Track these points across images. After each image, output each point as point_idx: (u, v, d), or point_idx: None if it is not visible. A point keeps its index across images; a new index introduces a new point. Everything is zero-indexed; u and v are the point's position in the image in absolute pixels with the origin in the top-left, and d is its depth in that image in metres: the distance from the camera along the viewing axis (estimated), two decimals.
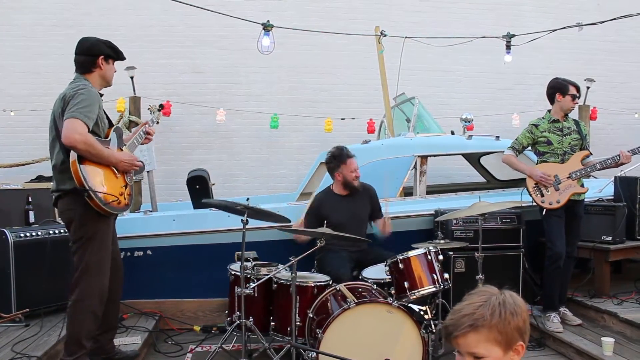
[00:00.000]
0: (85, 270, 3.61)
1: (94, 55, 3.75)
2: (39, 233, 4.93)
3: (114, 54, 3.86)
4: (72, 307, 3.62)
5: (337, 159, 5.04)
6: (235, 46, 8.08)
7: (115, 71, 3.93)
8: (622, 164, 4.95)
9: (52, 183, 3.73)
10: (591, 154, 5.02)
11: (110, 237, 3.80)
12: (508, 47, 6.85)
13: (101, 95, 3.76)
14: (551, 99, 5.06)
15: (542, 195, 4.90)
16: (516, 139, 5.11)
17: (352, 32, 7.21)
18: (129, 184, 3.82)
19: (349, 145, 5.25)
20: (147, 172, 6.05)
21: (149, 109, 4.70)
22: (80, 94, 3.51)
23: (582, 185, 4.98)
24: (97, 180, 3.54)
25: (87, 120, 3.46)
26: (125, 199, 3.73)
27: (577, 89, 5.04)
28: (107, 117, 3.87)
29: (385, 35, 6.50)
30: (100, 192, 3.50)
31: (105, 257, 3.71)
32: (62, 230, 4.91)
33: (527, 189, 4.99)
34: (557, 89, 5.03)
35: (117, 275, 3.99)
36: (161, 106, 4.69)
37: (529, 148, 5.13)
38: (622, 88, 9.16)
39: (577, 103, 5.07)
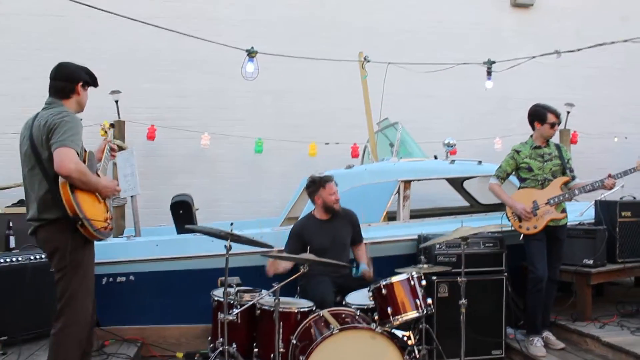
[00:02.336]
0: (70, 298, 3.56)
1: (73, 81, 3.74)
2: (19, 259, 4.87)
3: (91, 81, 3.87)
4: (57, 336, 3.56)
5: (316, 183, 5.08)
6: (220, 71, 8.13)
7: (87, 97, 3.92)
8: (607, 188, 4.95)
9: (29, 211, 3.65)
10: (575, 177, 5.08)
11: (94, 263, 3.77)
12: (489, 73, 6.96)
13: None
14: (532, 125, 5.13)
15: (520, 221, 4.96)
16: (500, 167, 5.17)
17: (335, 57, 7.29)
18: (109, 209, 3.81)
19: (332, 170, 5.28)
20: (131, 196, 6.02)
21: (102, 128, 4.64)
22: (67, 122, 3.49)
23: (564, 211, 5.03)
24: (87, 207, 3.52)
25: (77, 148, 3.46)
26: (109, 224, 3.72)
27: (556, 116, 5.06)
28: None
29: (368, 61, 6.58)
30: (91, 219, 3.49)
31: (90, 284, 3.68)
32: (42, 256, 4.85)
33: (507, 214, 5.06)
34: (536, 116, 5.08)
35: (93, 301, 3.93)
36: (112, 125, 4.67)
37: (513, 174, 5.20)
38: (602, 113, 9.33)
39: (556, 130, 5.10)
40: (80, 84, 3.76)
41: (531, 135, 5.16)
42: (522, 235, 4.97)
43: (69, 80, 3.73)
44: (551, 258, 4.98)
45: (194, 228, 4.65)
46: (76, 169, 3.39)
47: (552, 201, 4.92)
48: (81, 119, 3.75)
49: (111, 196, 3.83)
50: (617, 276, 5.76)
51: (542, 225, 4.91)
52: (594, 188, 4.95)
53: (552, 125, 5.04)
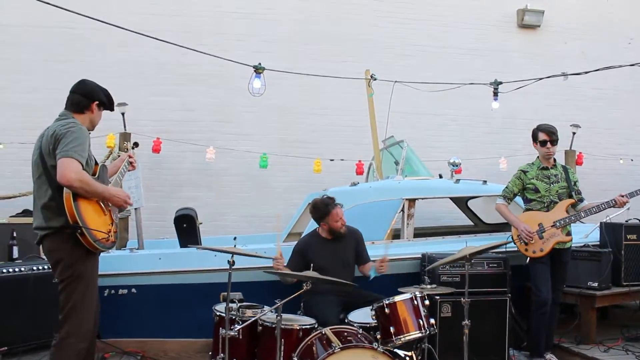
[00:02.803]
0: (72, 309, 3.57)
1: (90, 99, 3.81)
2: (22, 269, 4.88)
3: (108, 104, 3.93)
4: (58, 347, 3.56)
5: (322, 211, 5.06)
6: (226, 85, 8.17)
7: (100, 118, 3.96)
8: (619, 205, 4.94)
9: (35, 220, 3.67)
10: (583, 199, 5.07)
11: (97, 275, 3.77)
12: (495, 94, 6.96)
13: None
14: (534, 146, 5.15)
15: (526, 244, 4.93)
16: (506, 187, 5.17)
17: (342, 73, 7.32)
18: (115, 222, 3.81)
19: (337, 188, 5.27)
20: (135, 209, 6.03)
21: (125, 147, 4.69)
22: (72, 132, 3.54)
23: (569, 233, 5.01)
24: (89, 216, 3.53)
25: (80, 158, 3.49)
26: (112, 236, 3.72)
27: (547, 133, 5.01)
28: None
29: (375, 79, 6.59)
30: (92, 229, 3.50)
31: (92, 295, 3.68)
32: (45, 267, 4.86)
33: (512, 237, 5.05)
34: (533, 136, 5.13)
35: (95, 313, 3.92)
36: (135, 144, 4.72)
37: (519, 194, 5.18)
38: (607, 134, 9.33)
39: (549, 148, 5.03)
40: (97, 103, 3.84)
41: (538, 156, 5.17)
42: (528, 259, 4.95)
43: (86, 97, 3.81)
44: (555, 280, 4.96)
45: (198, 248, 4.64)
46: (77, 178, 3.43)
47: (558, 224, 4.90)
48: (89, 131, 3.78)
49: (125, 206, 3.86)
50: (622, 299, 5.74)
51: (549, 248, 4.89)
52: (601, 210, 4.94)
53: (543, 144, 5.02)
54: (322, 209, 5.07)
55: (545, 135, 5.02)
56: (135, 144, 4.64)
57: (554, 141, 5.03)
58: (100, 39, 7.96)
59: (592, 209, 4.95)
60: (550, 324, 5.03)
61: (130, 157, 4.24)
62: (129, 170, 4.26)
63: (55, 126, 3.65)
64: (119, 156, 6.86)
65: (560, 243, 4.92)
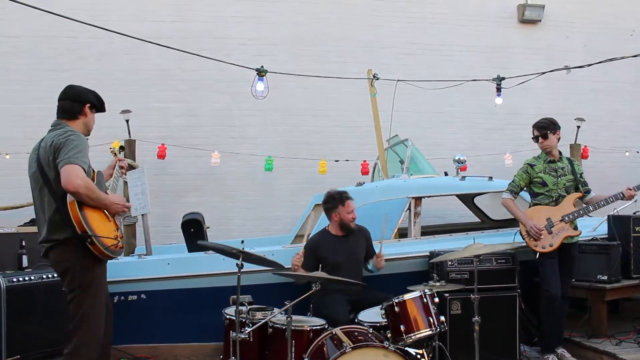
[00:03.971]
0: (82, 319, 3.56)
1: (81, 102, 3.76)
2: (32, 278, 4.89)
3: (99, 105, 3.88)
4: (69, 356, 3.56)
5: (336, 200, 5.07)
6: (229, 89, 8.19)
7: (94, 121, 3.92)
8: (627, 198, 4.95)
9: (40, 234, 3.64)
10: (590, 190, 5.06)
11: (106, 283, 3.78)
12: (498, 89, 6.95)
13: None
14: None
15: (536, 240, 4.92)
16: (513, 181, 5.14)
17: (344, 74, 7.33)
18: (119, 227, 3.81)
19: (343, 188, 5.28)
20: (142, 215, 6.04)
21: (112, 150, 4.67)
22: (72, 140, 3.51)
23: (576, 227, 5.00)
24: (96, 224, 3.52)
25: (83, 165, 3.47)
26: (119, 242, 3.72)
27: (537, 128, 5.07)
28: None
29: (377, 79, 6.60)
30: (101, 237, 3.49)
31: (101, 303, 3.68)
32: (55, 275, 4.86)
33: (521, 233, 5.04)
34: None
35: (108, 321, 3.93)
36: (122, 147, 4.68)
37: (525, 188, 5.17)
38: (612, 127, 9.30)
39: (541, 143, 5.06)
40: (88, 105, 3.78)
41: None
42: (537, 254, 4.94)
43: (77, 101, 3.75)
44: (563, 275, 4.95)
45: (206, 244, 4.65)
46: (84, 185, 3.40)
47: (566, 218, 4.89)
48: (87, 138, 3.77)
49: (121, 213, 3.83)
50: (633, 292, 5.70)
51: (558, 243, 4.88)
52: (609, 202, 4.93)
53: (535, 140, 5.08)
54: (337, 197, 5.08)
55: (535, 131, 5.08)
56: (122, 148, 4.63)
57: (544, 135, 5.03)
58: (103, 47, 8.00)
59: (600, 202, 4.94)
60: (560, 319, 5.02)
61: (120, 160, 4.22)
62: (121, 175, 4.22)
63: (51, 136, 3.59)
64: (127, 164, 6.93)
65: (569, 237, 4.91)
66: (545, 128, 5.03)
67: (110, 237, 3.60)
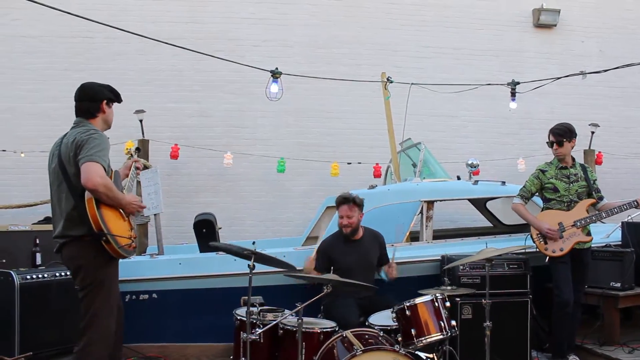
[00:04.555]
0: (94, 317, 3.59)
1: (97, 100, 3.80)
2: (45, 275, 4.93)
3: (115, 98, 3.93)
4: (80, 354, 3.58)
5: (336, 203, 5.08)
6: (242, 90, 8.21)
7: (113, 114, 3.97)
8: None
9: (55, 229, 3.69)
10: (603, 197, 5.02)
11: (117, 282, 3.80)
12: (513, 94, 6.92)
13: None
14: None
15: (546, 243, 4.90)
16: (524, 186, 5.12)
17: (357, 76, 7.33)
18: (133, 227, 3.84)
19: (355, 190, 5.26)
20: (154, 215, 6.07)
21: (127, 151, 4.73)
22: (94, 139, 3.55)
23: (589, 234, 4.96)
24: (112, 223, 3.55)
25: (104, 164, 3.52)
26: (134, 241, 3.75)
27: (553, 134, 5.02)
28: None
29: (391, 82, 6.59)
30: (117, 236, 3.52)
31: (113, 302, 3.70)
32: (68, 273, 4.90)
33: (531, 237, 5.01)
34: None
35: (119, 320, 3.94)
36: (138, 149, 4.73)
37: (536, 194, 5.14)
38: (626, 133, 9.21)
39: (556, 150, 5.02)
40: (105, 101, 3.83)
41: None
42: (547, 258, 4.91)
43: (93, 100, 3.79)
44: (576, 281, 4.91)
45: (218, 245, 4.67)
46: (103, 183, 3.44)
47: (578, 223, 4.86)
48: (108, 138, 3.81)
49: (136, 213, 3.86)
50: None
51: (568, 247, 4.85)
52: (622, 210, 4.89)
53: (550, 145, 5.04)
54: (337, 200, 5.07)
55: (551, 136, 5.03)
56: (138, 149, 4.67)
57: (559, 142, 4.98)
58: (118, 47, 8.06)
59: (613, 209, 4.90)
60: (572, 325, 4.99)
61: (135, 161, 4.25)
62: (137, 175, 4.26)
63: (74, 133, 3.64)
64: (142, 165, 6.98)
65: (580, 243, 4.87)
66: (562, 135, 4.99)
67: (125, 236, 3.63)
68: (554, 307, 4.89)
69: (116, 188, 3.60)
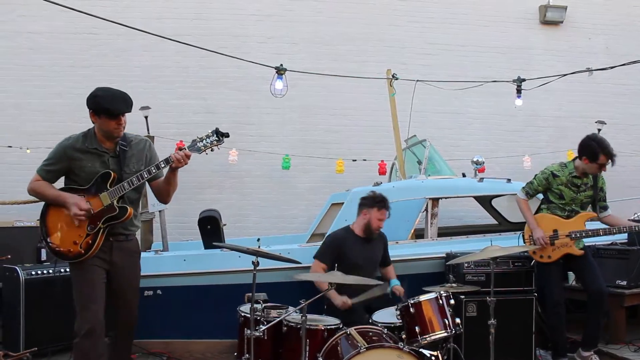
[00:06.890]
0: (76, 310, 3.66)
1: (88, 107, 3.66)
2: (50, 271, 4.95)
3: (102, 111, 3.59)
4: (73, 349, 3.67)
5: (377, 202, 4.99)
6: (247, 87, 8.22)
7: (116, 126, 3.66)
8: None
9: None
10: (607, 206, 4.95)
11: (91, 280, 3.70)
12: (519, 91, 6.88)
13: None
14: (580, 156, 4.82)
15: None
16: (531, 183, 5.01)
17: (362, 73, 7.31)
18: (90, 233, 3.64)
19: (360, 188, 5.26)
20: (159, 211, 6.08)
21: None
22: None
23: (582, 248, 4.87)
24: (54, 227, 3.68)
25: (42, 172, 3.70)
26: (81, 247, 3.62)
27: (609, 157, 4.68)
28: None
29: (396, 79, 6.57)
30: (51, 242, 3.65)
31: (85, 296, 3.66)
32: None
33: (523, 236, 4.98)
34: (587, 152, 4.73)
35: (122, 318, 3.93)
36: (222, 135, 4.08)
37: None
38: (633, 130, 9.15)
39: (585, 162, 4.75)
40: (91, 112, 3.65)
41: (573, 160, 4.91)
42: (533, 260, 4.93)
43: (87, 106, 3.67)
44: (587, 274, 4.81)
45: (222, 245, 4.67)
46: (29, 187, 3.70)
47: (573, 235, 4.79)
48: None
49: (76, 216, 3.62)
50: None
51: (556, 257, 4.80)
52: (622, 232, 4.84)
53: (601, 167, 4.75)
54: (378, 201, 4.99)
55: (605, 159, 4.68)
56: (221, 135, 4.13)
57: (612, 164, 4.77)
58: (123, 44, 8.07)
59: (612, 228, 4.82)
60: (598, 319, 4.80)
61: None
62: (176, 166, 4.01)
63: None
64: None
65: (569, 254, 4.80)
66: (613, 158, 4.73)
67: (66, 241, 3.64)
68: (546, 307, 4.87)
69: (45, 188, 3.68)
